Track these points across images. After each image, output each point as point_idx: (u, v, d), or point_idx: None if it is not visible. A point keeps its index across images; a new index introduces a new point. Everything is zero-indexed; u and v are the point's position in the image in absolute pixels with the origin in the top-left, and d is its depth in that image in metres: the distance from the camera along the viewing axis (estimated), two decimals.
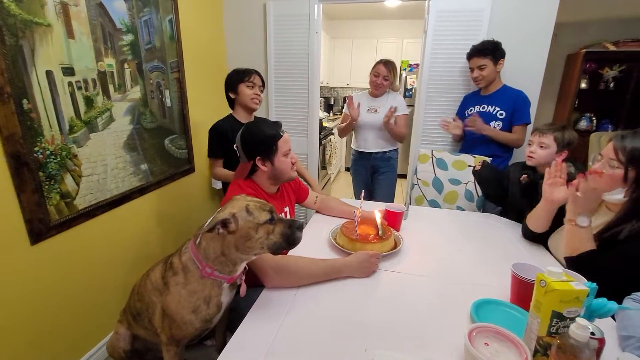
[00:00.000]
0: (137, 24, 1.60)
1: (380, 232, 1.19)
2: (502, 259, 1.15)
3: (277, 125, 1.20)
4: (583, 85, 4.07)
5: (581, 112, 4.17)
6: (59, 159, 1.26)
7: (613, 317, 0.84)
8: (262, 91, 1.74)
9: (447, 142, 2.30)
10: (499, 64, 1.87)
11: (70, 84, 1.29)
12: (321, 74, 4.35)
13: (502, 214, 1.63)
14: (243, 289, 0.97)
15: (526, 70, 2.09)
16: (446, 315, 0.87)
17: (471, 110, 1.99)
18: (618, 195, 0.99)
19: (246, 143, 1.18)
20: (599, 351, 0.66)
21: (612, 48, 3.85)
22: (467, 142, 2.07)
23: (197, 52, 2.16)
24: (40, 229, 1.21)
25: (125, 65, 1.55)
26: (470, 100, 2.06)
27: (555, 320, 0.65)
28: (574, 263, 0.97)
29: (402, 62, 4.67)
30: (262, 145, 1.16)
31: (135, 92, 1.62)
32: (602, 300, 0.72)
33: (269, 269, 0.96)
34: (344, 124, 2.27)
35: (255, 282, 1.00)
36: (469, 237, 1.36)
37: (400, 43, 4.65)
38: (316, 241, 1.27)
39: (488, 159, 1.89)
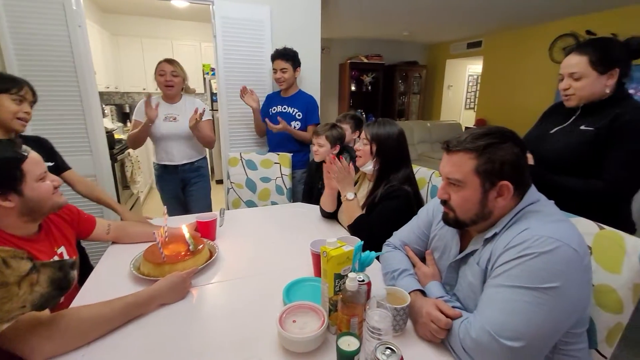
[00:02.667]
0: None
1: (191, 247, 1.12)
2: (307, 239, 1.31)
3: (14, 144, 0.89)
4: (353, 88, 5.30)
5: (355, 109, 5.40)
6: None
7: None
8: (31, 107, 1.32)
9: (253, 143, 2.42)
10: (297, 70, 2.13)
11: None
12: (106, 77, 3.66)
13: None
14: None
15: (308, 76, 2.47)
16: (265, 308, 0.91)
17: (274, 109, 2.19)
18: (370, 167, 1.33)
19: None
20: (369, 292, 0.85)
21: (365, 60, 5.16)
22: (272, 142, 2.26)
23: None
24: None
25: None
26: (273, 99, 2.25)
27: (337, 280, 0.79)
28: (352, 228, 1.23)
29: (203, 66, 4.56)
30: None
31: None
32: (367, 252, 0.94)
33: (32, 338, 0.71)
34: (135, 131, 1.89)
35: None
36: (280, 228, 1.48)
37: (199, 46, 4.50)
38: (114, 280, 1.05)
39: None
